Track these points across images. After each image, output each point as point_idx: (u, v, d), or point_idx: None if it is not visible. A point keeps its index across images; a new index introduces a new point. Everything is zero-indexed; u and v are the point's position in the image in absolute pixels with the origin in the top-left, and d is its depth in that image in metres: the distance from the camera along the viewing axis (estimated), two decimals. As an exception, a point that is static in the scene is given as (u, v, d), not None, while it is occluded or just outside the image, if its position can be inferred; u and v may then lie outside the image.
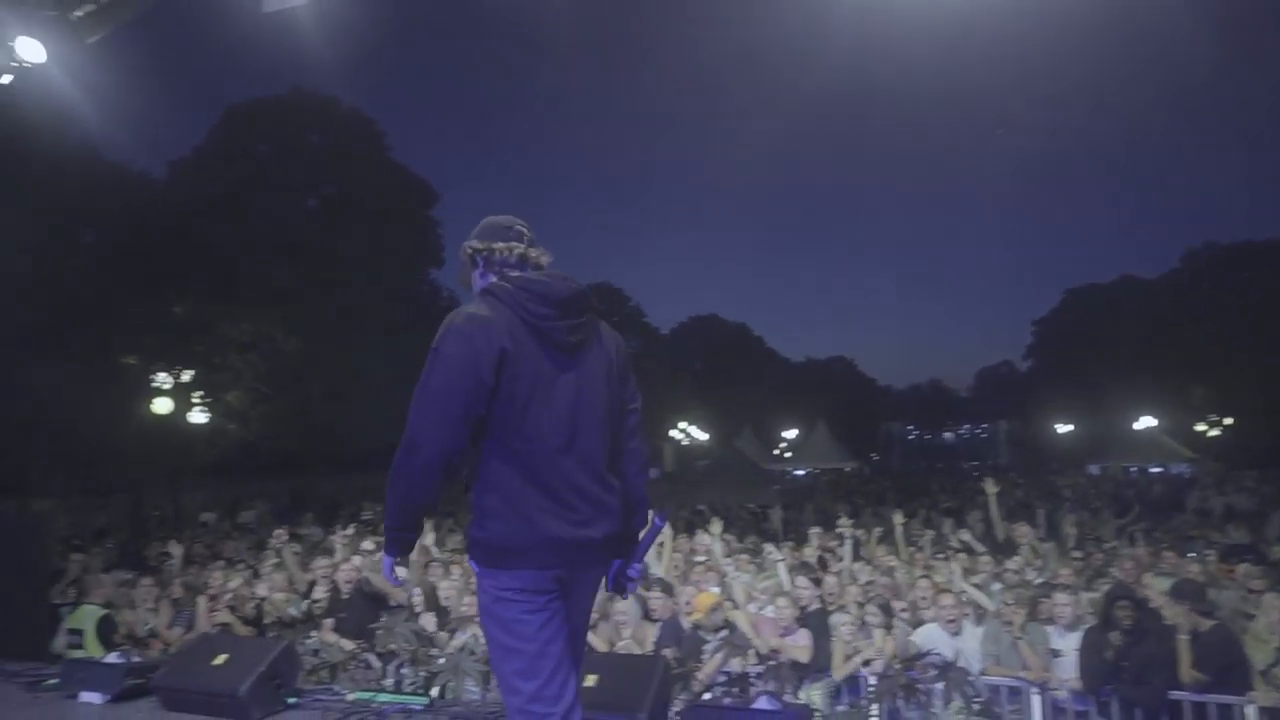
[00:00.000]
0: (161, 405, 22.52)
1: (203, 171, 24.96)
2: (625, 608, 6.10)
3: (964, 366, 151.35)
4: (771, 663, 5.04)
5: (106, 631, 6.66)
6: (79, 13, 5.85)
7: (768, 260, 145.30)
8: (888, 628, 5.65)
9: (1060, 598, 5.74)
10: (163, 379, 23.16)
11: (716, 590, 6.38)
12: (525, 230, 2.79)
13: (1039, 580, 6.96)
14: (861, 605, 6.04)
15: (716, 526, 8.74)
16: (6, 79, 6.08)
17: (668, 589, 6.17)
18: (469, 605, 6.49)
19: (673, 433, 45.63)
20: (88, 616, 6.78)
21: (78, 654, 6.34)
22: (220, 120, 25.69)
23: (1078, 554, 8.33)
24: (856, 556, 7.96)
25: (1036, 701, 5.34)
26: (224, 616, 7.12)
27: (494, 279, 2.69)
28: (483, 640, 6.16)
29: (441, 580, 6.94)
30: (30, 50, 5.92)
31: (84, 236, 22.05)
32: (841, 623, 5.85)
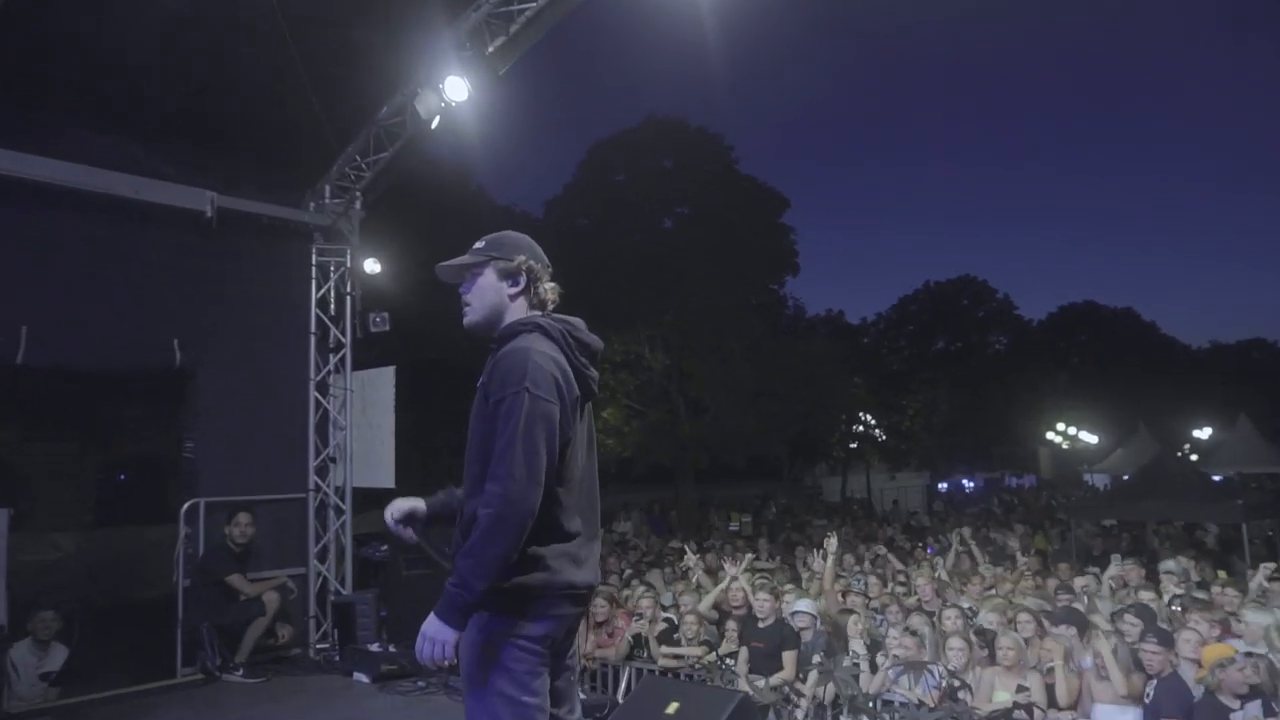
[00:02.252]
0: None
1: (572, 207, 27.00)
2: (1105, 651, 4.95)
3: None
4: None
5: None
6: (492, 47, 6.09)
7: (1153, 234, 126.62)
8: None
9: None
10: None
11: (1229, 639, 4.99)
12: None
13: None
14: None
15: (1178, 562, 7.14)
16: (435, 122, 6.52)
17: (1165, 638, 4.90)
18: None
19: (1050, 435, 41.01)
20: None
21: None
22: (586, 157, 27.71)
23: None
24: None
25: None
26: (640, 628, 7.20)
27: (527, 307, 2.60)
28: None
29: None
30: (456, 89, 6.26)
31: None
32: None
